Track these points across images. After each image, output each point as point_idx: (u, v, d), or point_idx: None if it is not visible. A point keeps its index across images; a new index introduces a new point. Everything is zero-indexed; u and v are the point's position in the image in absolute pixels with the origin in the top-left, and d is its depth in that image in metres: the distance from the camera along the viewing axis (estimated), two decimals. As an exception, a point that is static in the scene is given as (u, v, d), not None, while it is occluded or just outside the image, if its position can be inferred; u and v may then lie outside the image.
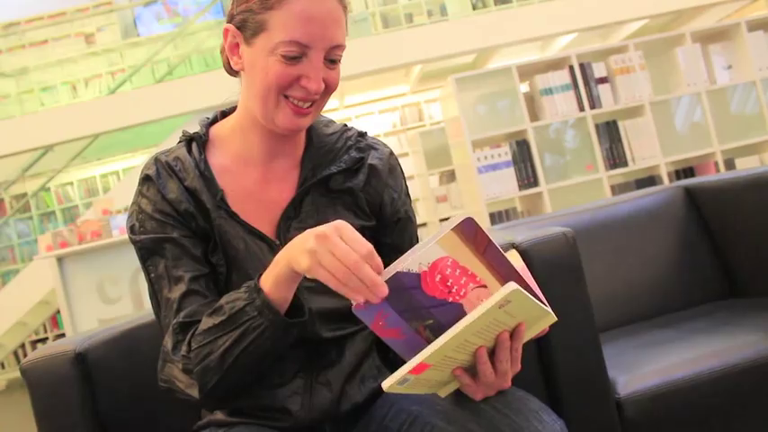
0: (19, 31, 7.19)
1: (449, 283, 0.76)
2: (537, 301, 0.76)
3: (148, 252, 0.94)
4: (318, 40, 0.89)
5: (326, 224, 0.78)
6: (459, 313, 0.77)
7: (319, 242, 0.76)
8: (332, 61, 0.92)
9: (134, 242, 0.96)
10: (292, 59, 0.89)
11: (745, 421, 1.31)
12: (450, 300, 0.77)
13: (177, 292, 0.92)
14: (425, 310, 0.78)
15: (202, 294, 0.92)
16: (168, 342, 0.91)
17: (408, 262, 0.75)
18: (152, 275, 0.94)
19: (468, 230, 0.74)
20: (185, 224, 0.94)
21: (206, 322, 0.87)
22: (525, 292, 0.73)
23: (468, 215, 0.75)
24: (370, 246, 0.76)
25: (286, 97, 0.92)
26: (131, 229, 0.96)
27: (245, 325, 0.84)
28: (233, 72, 1.01)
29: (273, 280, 0.84)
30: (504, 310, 0.74)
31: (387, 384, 0.75)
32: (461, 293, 0.77)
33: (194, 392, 0.88)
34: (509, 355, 0.81)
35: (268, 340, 0.85)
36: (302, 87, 0.90)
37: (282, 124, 0.93)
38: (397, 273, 0.75)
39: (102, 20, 7.37)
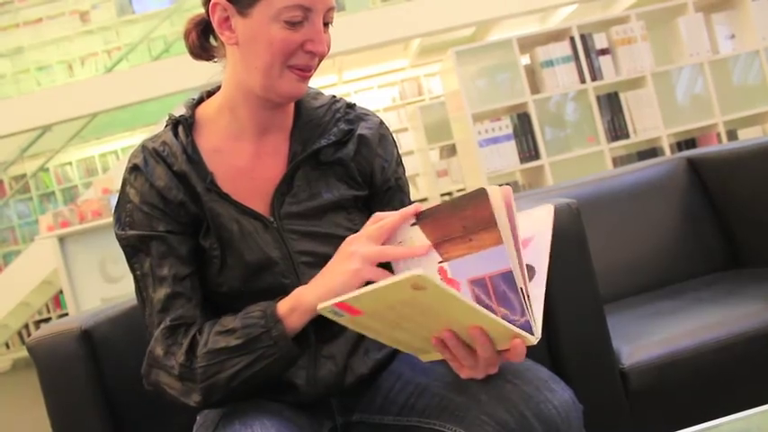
0: (13, 9, 7.11)
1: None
2: (466, 301, 0.71)
3: (134, 250, 0.94)
4: (319, 1, 0.90)
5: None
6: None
7: (352, 244, 0.85)
8: (326, 24, 0.93)
9: (119, 238, 0.95)
10: (295, 25, 0.89)
11: (749, 390, 1.31)
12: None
13: (161, 292, 0.92)
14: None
15: (186, 296, 0.93)
16: (157, 348, 0.91)
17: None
18: (137, 273, 0.94)
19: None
20: (173, 217, 0.93)
21: (216, 341, 0.88)
22: (437, 281, 0.68)
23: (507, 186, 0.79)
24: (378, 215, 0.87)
25: (289, 67, 0.92)
26: (117, 221, 0.95)
27: (259, 351, 0.87)
28: (204, 55, 1.00)
29: (292, 312, 0.87)
30: (421, 293, 0.70)
31: (320, 306, 0.76)
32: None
33: (190, 401, 0.89)
34: (489, 348, 0.78)
35: (279, 367, 0.89)
36: (307, 53, 0.91)
37: (286, 92, 0.93)
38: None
39: (96, -3, 7.28)
